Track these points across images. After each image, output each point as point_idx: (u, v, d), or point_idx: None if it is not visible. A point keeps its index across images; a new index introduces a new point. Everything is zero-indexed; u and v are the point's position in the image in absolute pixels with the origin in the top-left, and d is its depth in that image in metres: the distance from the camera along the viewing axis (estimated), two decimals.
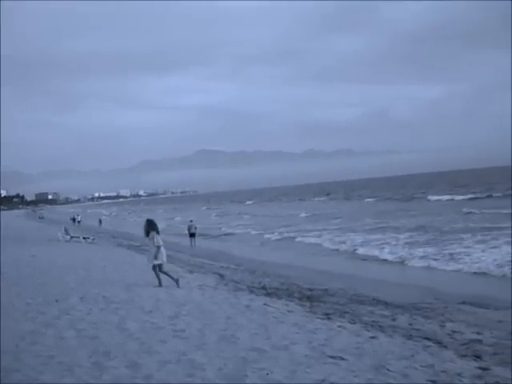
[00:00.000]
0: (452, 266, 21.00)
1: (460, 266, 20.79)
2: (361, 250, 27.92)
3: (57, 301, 12.41)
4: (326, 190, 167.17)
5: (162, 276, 14.98)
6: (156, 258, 14.87)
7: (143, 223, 15.82)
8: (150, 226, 15.20)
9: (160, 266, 14.97)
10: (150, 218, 16.39)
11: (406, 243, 28.59)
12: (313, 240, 34.91)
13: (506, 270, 18.97)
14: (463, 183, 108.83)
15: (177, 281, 14.99)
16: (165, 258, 15.08)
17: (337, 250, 29.57)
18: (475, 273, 19.67)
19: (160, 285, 14.79)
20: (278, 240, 38.18)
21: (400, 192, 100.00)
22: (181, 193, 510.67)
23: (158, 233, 15.04)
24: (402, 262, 23.37)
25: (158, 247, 14.86)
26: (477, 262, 20.96)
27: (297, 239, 36.60)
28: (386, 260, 24.51)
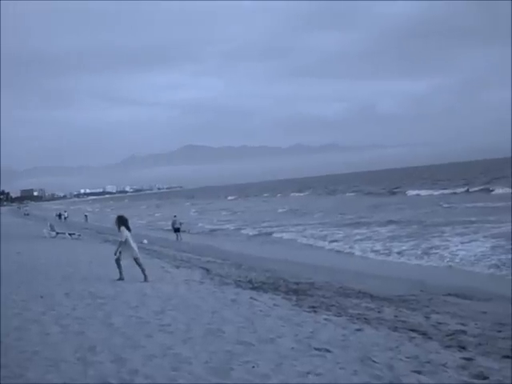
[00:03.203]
0: (433, 261, 21.15)
1: (439, 260, 21.01)
2: (341, 245, 28.06)
3: (42, 297, 12.36)
4: (309, 184, 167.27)
5: (138, 269, 15.23)
6: (120, 251, 15.10)
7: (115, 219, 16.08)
8: (121, 222, 15.39)
9: (137, 259, 15.23)
10: (121, 214, 16.61)
11: (388, 237, 28.77)
12: (289, 235, 35.06)
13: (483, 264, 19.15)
14: (445, 177, 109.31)
15: (146, 276, 15.09)
16: (137, 251, 15.29)
17: (312, 245, 29.70)
18: (450, 266, 19.87)
19: (121, 278, 14.97)
20: (254, 236, 38.29)
21: (382, 186, 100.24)
22: (167, 188, 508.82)
23: (128, 228, 15.29)
24: (385, 256, 23.49)
25: (124, 242, 15.07)
26: (456, 255, 21.23)
27: (273, 235, 36.67)
28: (367, 253, 24.62)
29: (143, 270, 15.21)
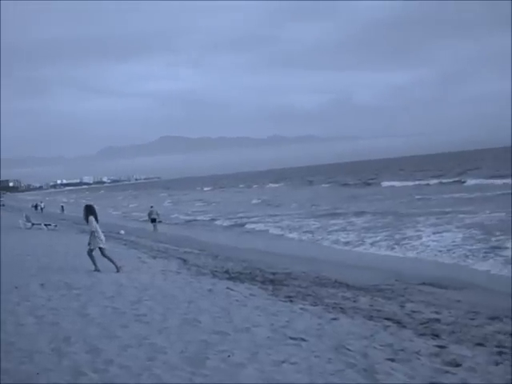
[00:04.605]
0: (404, 251, 21.37)
1: (410, 251, 21.29)
2: (316, 236, 28.22)
3: (16, 287, 12.24)
4: (286, 175, 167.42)
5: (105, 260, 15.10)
6: (91, 242, 14.96)
7: (83, 208, 15.90)
8: (89, 211, 15.30)
9: (102, 250, 15.09)
10: (89, 203, 16.50)
11: (363, 228, 29.00)
12: (261, 226, 35.17)
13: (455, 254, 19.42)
14: (421, 169, 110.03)
15: (119, 267, 15.02)
16: (104, 242, 15.16)
17: (287, 236, 29.86)
18: (421, 256, 20.13)
19: (96, 269, 14.83)
20: (228, 226, 38.33)
21: (358, 177, 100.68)
22: (144, 179, 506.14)
23: (96, 218, 15.17)
24: (359, 246, 23.67)
25: (93, 232, 14.98)
26: (427, 246, 21.57)
27: (246, 226, 36.74)
28: (342, 244, 24.79)
29: (112, 261, 15.07)
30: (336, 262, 19.69)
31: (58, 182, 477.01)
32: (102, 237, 15.21)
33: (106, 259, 15.10)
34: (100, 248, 15.06)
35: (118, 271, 14.84)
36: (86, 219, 15.29)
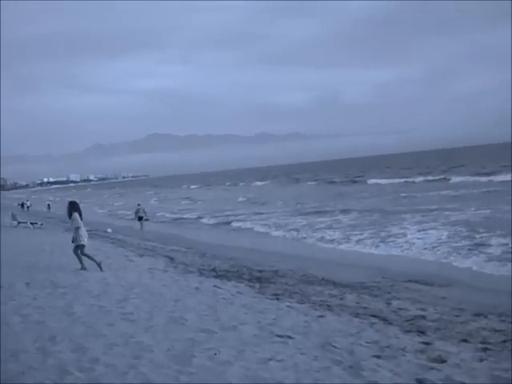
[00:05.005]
0: (389, 249, 21.44)
1: (394, 248, 21.38)
2: (302, 233, 28.25)
3: (1, 287, 12.16)
4: (272, 173, 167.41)
5: (85, 259, 14.95)
6: (76, 239, 14.85)
7: (66, 205, 15.79)
8: (72, 208, 15.18)
9: (82, 247, 14.91)
10: (73, 200, 16.39)
11: (349, 225, 29.07)
12: (248, 225, 35.13)
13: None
14: (407, 166, 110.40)
15: (99, 264, 14.89)
16: (86, 240, 15.00)
17: (273, 234, 29.81)
18: (406, 254, 20.23)
19: (83, 267, 14.72)
20: (214, 225, 38.33)
21: (345, 175, 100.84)
22: (132, 177, 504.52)
23: (80, 214, 15.05)
24: (345, 244, 23.74)
25: (77, 228, 14.85)
26: (412, 243, 21.65)
27: (232, 224, 36.78)
28: (328, 242, 24.82)
29: (93, 259, 14.95)
30: (323, 259, 19.73)
31: (45, 180, 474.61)
32: (86, 234, 15.13)
33: (98, 257, 15.04)
34: (81, 245, 14.92)
35: (100, 269, 14.69)
36: (69, 215, 15.16)
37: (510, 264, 16.37)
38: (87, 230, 15.64)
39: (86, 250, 15.04)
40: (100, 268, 14.75)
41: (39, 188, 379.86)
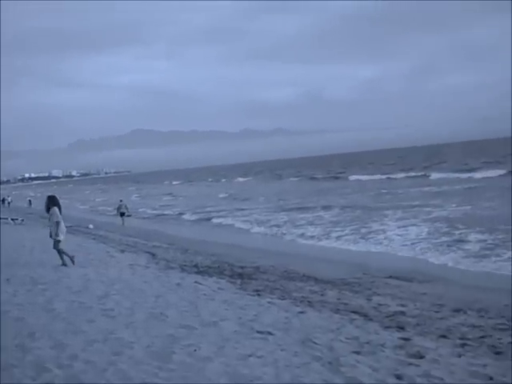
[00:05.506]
0: (369, 245, 21.56)
1: (373, 245, 21.52)
2: (283, 229, 28.33)
3: None
4: (255, 169, 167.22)
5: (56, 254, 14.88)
6: (54, 234, 14.76)
7: (45, 200, 15.67)
8: (51, 202, 15.10)
9: (58, 242, 14.78)
10: (52, 194, 16.27)
11: (331, 222, 29.18)
12: (228, 221, 35.20)
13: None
14: (389, 162, 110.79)
15: (72, 258, 14.78)
16: (63, 235, 14.88)
17: (254, 230, 29.88)
18: (386, 250, 20.35)
19: (64, 263, 14.62)
20: (195, 221, 38.29)
21: (327, 171, 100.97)
22: (114, 173, 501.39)
23: (59, 209, 14.96)
24: (325, 240, 23.82)
25: (58, 223, 14.76)
26: (392, 240, 21.82)
27: (213, 220, 36.76)
28: (309, 238, 24.89)
29: (65, 254, 14.79)
30: (304, 255, 19.80)
31: (26, 175, 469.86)
32: (64, 229, 15.01)
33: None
34: (58, 241, 14.78)
35: (65, 264, 14.56)
36: (47, 210, 15.03)
37: (485, 260, 16.56)
38: (69, 226, 15.58)
39: (62, 246, 14.90)
40: (72, 262, 14.63)
41: (20, 184, 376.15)
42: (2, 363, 6.59)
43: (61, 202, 15.77)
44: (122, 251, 19.72)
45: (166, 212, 47.82)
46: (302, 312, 9.99)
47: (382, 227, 25.14)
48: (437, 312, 10.59)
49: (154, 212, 48.90)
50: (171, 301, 10.41)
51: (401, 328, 9.11)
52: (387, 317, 10.06)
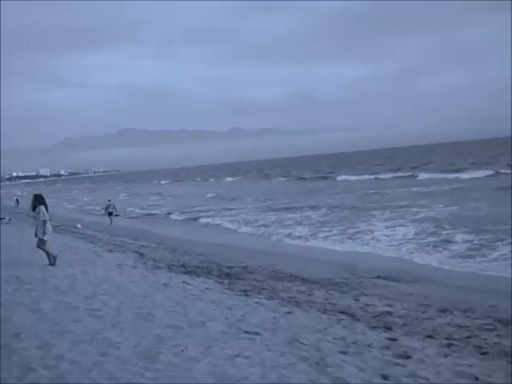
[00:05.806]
0: (355, 246, 21.58)
1: (359, 245, 21.55)
2: (271, 230, 28.30)
3: None
4: (244, 169, 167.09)
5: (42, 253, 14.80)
6: (41, 233, 14.69)
7: (31, 198, 15.58)
8: (38, 201, 15.03)
9: (42, 242, 14.71)
10: (38, 193, 16.20)
11: (319, 222, 29.21)
12: (216, 221, 35.15)
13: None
14: (378, 162, 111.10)
15: (54, 257, 14.71)
16: (49, 235, 14.81)
17: (242, 230, 29.81)
18: (372, 251, 20.39)
19: (51, 263, 14.56)
20: (182, 220, 38.24)
21: (316, 171, 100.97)
22: (103, 172, 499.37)
23: (46, 208, 14.90)
24: (313, 240, 23.83)
25: (45, 221, 14.70)
26: (379, 240, 21.87)
27: (200, 220, 36.72)
28: (297, 238, 24.89)
29: (49, 253, 14.74)
30: (292, 255, 19.82)
31: (14, 174, 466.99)
32: (50, 228, 14.94)
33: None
34: (42, 240, 14.72)
35: (54, 264, 14.51)
36: (33, 209, 14.96)
37: (471, 261, 16.66)
38: (56, 226, 15.48)
39: (47, 245, 14.83)
40: (54, 262, 14.56)
41: (8, 183, 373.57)
42: None
43: (48, 201, 15.68)
44: (110, 251, 19.65)
45: (154, 211, 47.70)
46: (289, 312, 10.00)
47: (369, 227, 25.19)
48: (423, 312, 10.63)
49: (142, 211, 48.80)
50: (158, 301, 10.39)
51: (388, 328, 9.14)
52: (374, 317, 10.09)
